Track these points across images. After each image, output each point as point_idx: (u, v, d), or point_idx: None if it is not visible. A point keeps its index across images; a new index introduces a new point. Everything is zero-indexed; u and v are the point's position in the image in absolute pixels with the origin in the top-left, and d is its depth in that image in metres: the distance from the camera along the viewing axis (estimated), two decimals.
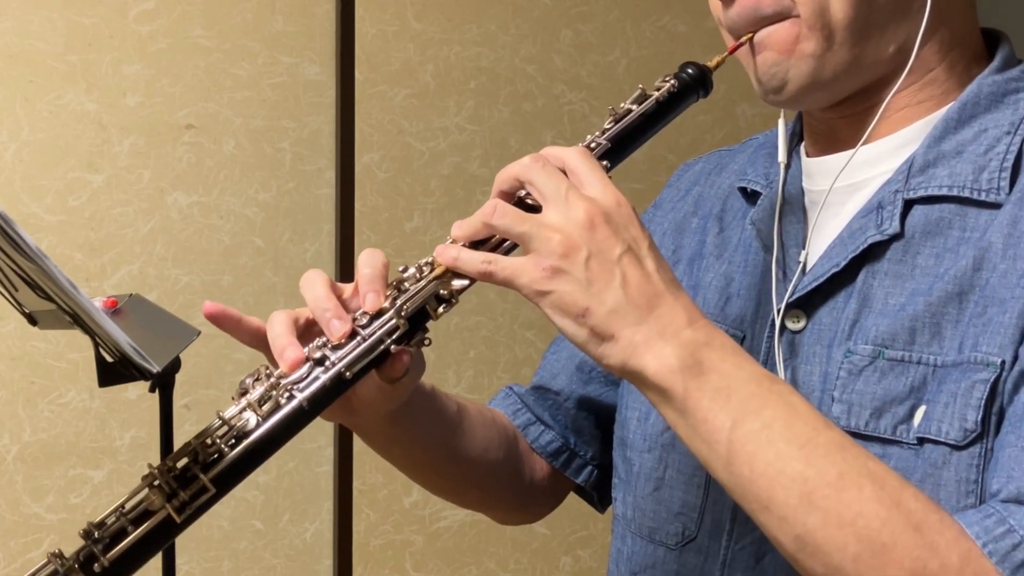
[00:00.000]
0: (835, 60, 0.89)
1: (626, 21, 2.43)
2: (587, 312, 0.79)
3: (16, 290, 1.27)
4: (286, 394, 0.81)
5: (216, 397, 2.14)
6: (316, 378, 0.81)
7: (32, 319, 1.45)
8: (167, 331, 1.52)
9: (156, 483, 0.78)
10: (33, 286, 1.10)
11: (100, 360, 1.30)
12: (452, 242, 0.84)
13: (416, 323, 0.84)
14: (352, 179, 2.22)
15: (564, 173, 0.82)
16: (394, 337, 0.83)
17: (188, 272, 2.13)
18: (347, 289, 0.88)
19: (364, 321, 0.83)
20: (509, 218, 0.80)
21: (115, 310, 1.49)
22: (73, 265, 2.04)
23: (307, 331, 0.87)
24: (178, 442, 1.50)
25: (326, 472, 2.24)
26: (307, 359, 0.82)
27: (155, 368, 1.30)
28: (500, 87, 2.33)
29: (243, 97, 2.15)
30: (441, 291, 0.84)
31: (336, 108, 2.20)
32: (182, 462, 0.79)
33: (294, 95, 2.18)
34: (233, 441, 0.80)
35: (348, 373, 0.82)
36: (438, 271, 0.83)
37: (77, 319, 1.22)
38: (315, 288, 0.86)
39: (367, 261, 0.87)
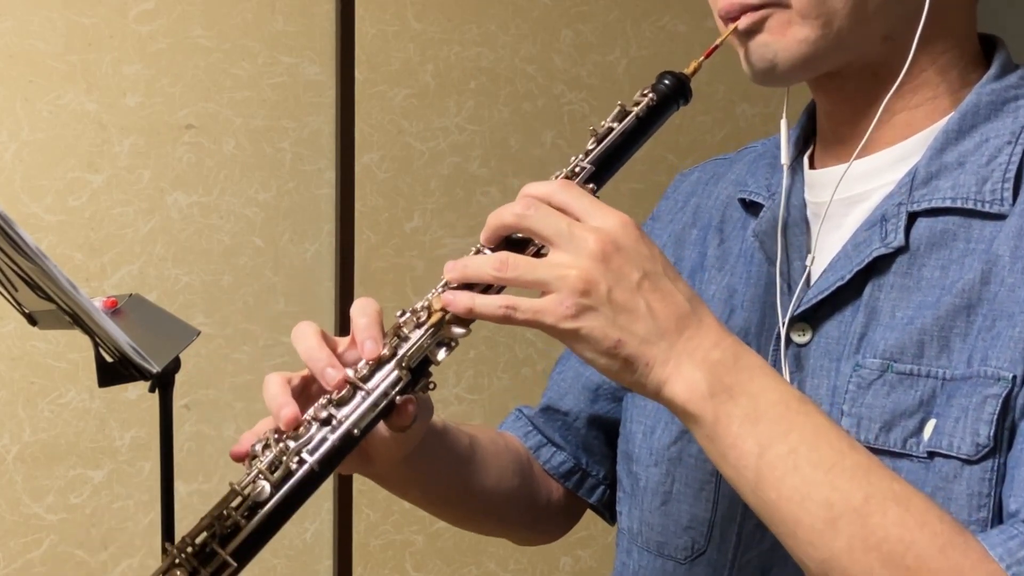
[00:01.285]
0: (827, 45, 0.89)
1: (626, 21, 2.43)
2: (619, 344, 0.78)
3: (16, 290, 1.28)
4: (296, 458, 0.80)
5: (216, 397, 2.14)
6: (324, 439, 0.81)
7: (32, 319, 1.45)
8: (167, 331, 1.52)
9: (177, 562, 0.78)
10: (33, 286, 1.10)
11: (100, 360, 1.30)
12: (445, 284, 0.83)
13: (419, 371, 0.83)
14: (352, 179, 2.22)
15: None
16: (398, 389, 0.82)
17: (188, 272, 2.13)
18: (343, 343, 0.88)
19: (365, 372, 0.83)
20: (521, 268, 0.80)
21: (115, 310, 1.49)
22: (73, 265, 2.04)
23: (303, 391, 0.87)
24: (178, 442, 1.51)
25: None
26: (314, 419, 0.82)
27: (155, 368, 1.30)
28: (500, 87, 2.33)
29: (243, 97, 2.15)
30: (441, 338, 0.83)
31: (336, 108, 2.20)
32: (200, 538, 0.79)
33: (294, 95, 2.18)
34: (248, 512, 0.79)
35: (356, 431, 0.81)
36: (435, 318, 0.82)
37: (77, 319, 1.22)
38: (307, 339, 0.86)
39: (361, 310, 0.86)
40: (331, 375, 0.83)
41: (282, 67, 2.17)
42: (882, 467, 0.77)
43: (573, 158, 0.89)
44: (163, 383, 1.44)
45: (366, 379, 0.82)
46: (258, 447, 0.82)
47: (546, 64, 2.36)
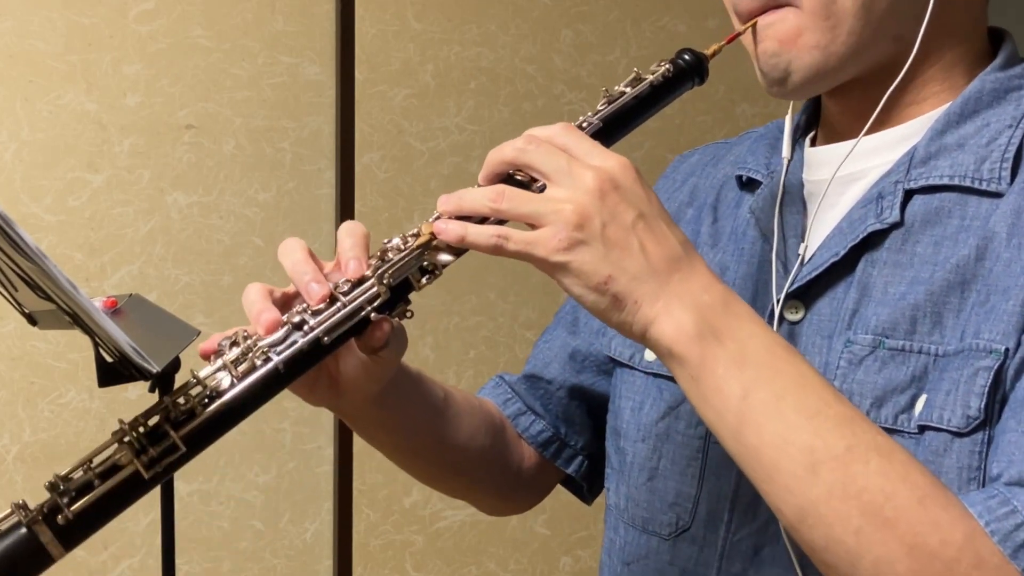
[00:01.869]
0: (838, 52, 0.89)
1: (626, 21, 2.43)
2: (609, 280, 0.78)
3: (16, 290, 1.27)
4: (262, 356, 0.80)
5: None
6: (294, 342, 0.81)
7: (32, 319, 1.45)
8: (167, 331, 1.52)
9: (126, 439, 0.77)
10: (33, 286, 1.10)
11: (100, 360, 1.30)
12: (438, 217, 0.83)
13: (398, 293, 0.83)
14: (352, 179, 2.22)
15: None
16: (375, 305, 0.82)
17: (188, 272, 2.13)
18: (329, 265, 0.88)
19: (345, 288, 0.82)
20: (517, 200, 0.80)
21: (115, 310, 1.49)
22: (73, 265, 2.04)
23: (285, 306, 0.87)
24: None
25: (326, 472, 2.24)
26: (286, 323, 0.82)
27: (155, 368, 1.30)
28: (500, 87, 2.33)
29: (243, 97, 2.15)
30: (424, 262, 0.83)
31: (336, 108, 2.20)
32: (154, 419, 0.78)
33: (294, 95, 2.18)
34: (207, 401, 0.78)
35: (326, 338, 0.81)
36: (422, 240, 0.82)
37: (77, 319, 1.22)
38: (294, 254, 0.87)
39: (348, 232, 0.87)
40: (315, 290, 0.83)
41: (282, 67, 2.17)
42: (866, 420, 0.78)
43: (582, 115, 0.89)
44: (163, 383, 1.44)
45: (345, 293, 0.82)
46: (225, 343, 0.82)
47: (546, 64, 2.36)
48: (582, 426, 1.14)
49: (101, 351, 1.28)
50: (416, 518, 2.32)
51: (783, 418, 0.76)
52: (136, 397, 2.07)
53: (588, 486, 1.15)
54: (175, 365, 1.43)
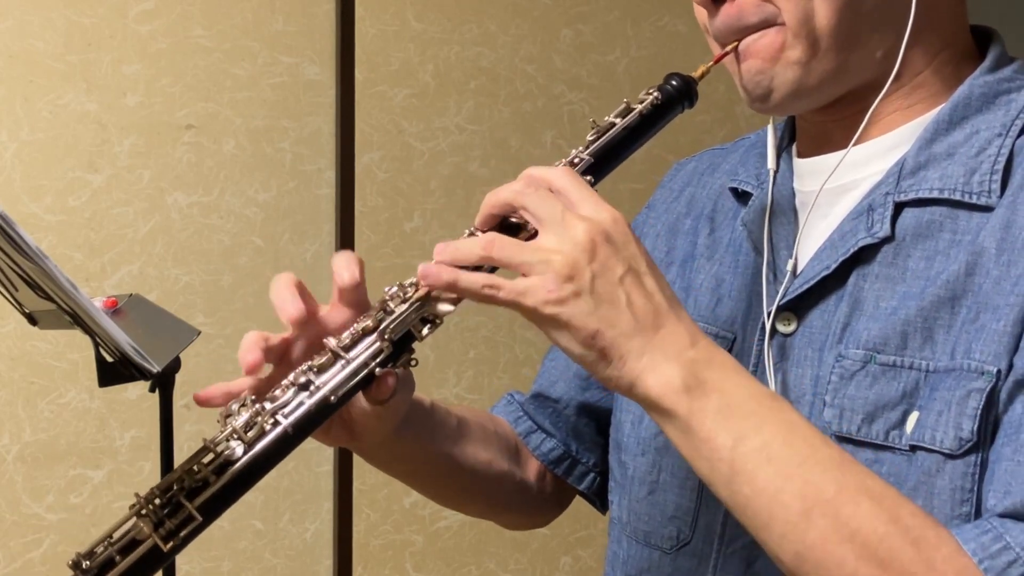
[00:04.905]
0: (821, 67, 0.89)
1: (626, 21, 2.43)
2: (597, 334, 0.79)
3: (16, 290, 1.27)
4: (271, 420, 0.81)
5: None
6: (301, 403, 0.82)
7: (32, 319, 1.45)
8: (167, 331, 1.52)
9: (143, 512, 0.78)
10: (33, 286, 1.11)
11: (100, 360, 1.30)
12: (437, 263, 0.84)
13: (401, 345, 0.84)
14: (352, 179, 2.22)
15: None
16: (379, 360, 0.83)
17: (188, 272, 2.13)
18: (325, 308, 0.89)
19: (348, 342, 0.83)
20: (509, 249, 0.80)
21: (115, 310, 1.49)
22: (73, 265, 2.04)
23: (284, 356, 0.88)
24: (178, 442, 1.51)
25: (326, 472, 2.24)
26: (293, 384, 0.83)
27: (155, 368, 1.30)
28: (500, 87, 2.33)
29: (243, 97, 2.15)
30: (425, 313, 0.83)
31: (336, 108, 2.20)
32: (169, 491, 0.79)
33: (294, 95, 2.18)
34: (218, 469, 0.79)
35: (333, 398, 0.82)
36: (422, 292, 0.82)
37: (77, 319, 1.22)
38: (278, 283, 0.88)
39: (339, 254, 0.88)
40: (289, 310, 0.85)
41: (282, 67, 2.17)
42: (855, 462, 0.78)
43: (574, 150, 0.89)
44: (163, 383, 1.44)
45: (348, 348, 0.83)
46: (235, 406, 0.83)
47: (546, 64, 2.36)
48: (592, 443, 1.14)
49: (101, 351, 1.28)
50: (416, 518, 2.32)
51: (773, 466, 0.77)
52: (136, 397, 2.07)
53: (601, 501, 1.16)
54: (175, 365, 1.44)
